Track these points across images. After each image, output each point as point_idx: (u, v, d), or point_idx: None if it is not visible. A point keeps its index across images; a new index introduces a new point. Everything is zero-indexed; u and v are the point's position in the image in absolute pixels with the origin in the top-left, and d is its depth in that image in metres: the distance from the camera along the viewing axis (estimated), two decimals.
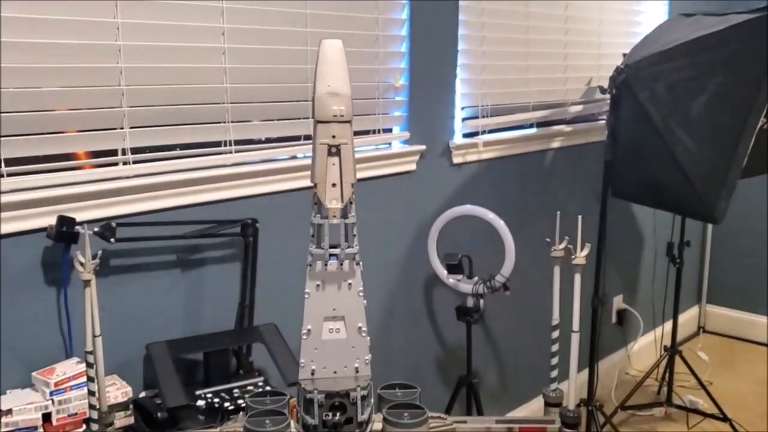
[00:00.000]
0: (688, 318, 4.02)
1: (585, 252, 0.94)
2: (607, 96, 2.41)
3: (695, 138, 2.21)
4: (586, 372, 2.67)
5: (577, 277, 0.94)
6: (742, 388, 3.37)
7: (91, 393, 0.93)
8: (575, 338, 0.96)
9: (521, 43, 2.62)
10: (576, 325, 0.96)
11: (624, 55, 2.48)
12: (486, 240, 2.15)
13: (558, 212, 1.02)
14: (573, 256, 0.95)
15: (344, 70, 0.95)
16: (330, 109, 0.93)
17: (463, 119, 2.46)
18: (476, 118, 2.49)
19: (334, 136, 0.95)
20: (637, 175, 2.41)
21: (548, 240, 0.98)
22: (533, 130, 2.76)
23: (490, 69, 2.51)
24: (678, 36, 2.29)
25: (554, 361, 1.00)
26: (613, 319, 3.42)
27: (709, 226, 3.96)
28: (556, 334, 0.99)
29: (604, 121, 2.64)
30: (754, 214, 3.80)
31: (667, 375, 3.12)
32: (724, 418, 2.88)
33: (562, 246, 0.97)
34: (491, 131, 2.56)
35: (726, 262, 3.99)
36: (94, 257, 0.92)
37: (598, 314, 2.55)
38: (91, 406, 0.93)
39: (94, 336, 0.92)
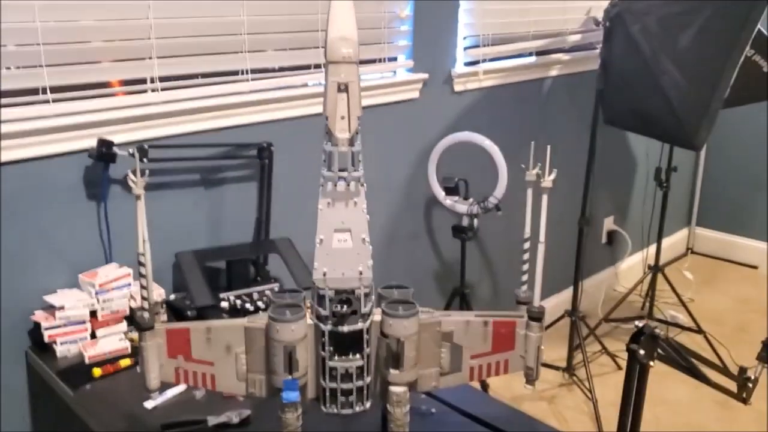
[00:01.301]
0: (677, 239, 4.22)
1: (552, 177, 1.12)
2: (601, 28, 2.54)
3: (681, 70, 2.34)
4: (588, 288, 2.90)
5: (545, 198, 1.12)
6: (722, 305, 3.61)
7: (143, 287, 1.13)
8: (541, 248, 1.15)
9: None
10: (542, 237, 1.15)
11: None
12: (482, 164, 2.32)
13: (532, 142, 1.20)
14: (542, 180, 1.13)
15: (352, 17, 1.10)
16: (340, 51, 1.08)
17: (465, 48, 2.59)
18: (477, 47, 2.62)
19: (343, 75, 1.11)
20: (627, 104, 2.56)
21: (522, 166, 1.16)
22: (532, 59, 2.88)
23: None
24: None
25: (525, 267, 1.19)
26: (603, 239, 3.63)
27: (702, 152, 4.12)
28: (527, 245, 1.18)
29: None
30: (745, 142, 3.94)
31: (651, 292, 3.35)
32: (699, 331, 3.13)
33: (534, 171, 1.15)
34: (492, 60, 2.70)
35: (717, 186, 4.16)
36: (141, 175, 1.10)
37: (583, 233, 2.75)
38: (144, 298, 1.14)
39: (144, 240, 1.11)
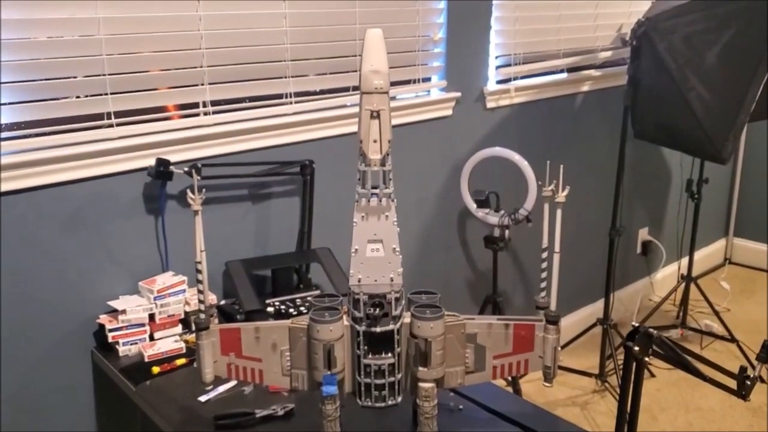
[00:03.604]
0: (714, 250, 4.24)
1: (565, 193, 1.23)
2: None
3: (707, 86, 2.42)
4: (623, 297, 2.97)
5: (558, 212, 1.24)
6: (759, 314, 3.62)
7: (200, 291, 1.28)
8: (556, 258, 1.26)
9: None
10: (557, 248, 1.26)
11: (653, 1, 2.68)
12: (512, 178, 2.43)
13: (548, 162, 1.31)
14: (556, 196, 1.24)
15: (383, 52, 1.23)
16: (372, 83, 1.21)
17: (497, 67, 2.70)
18: (509, 66, 2.74)
19: (375, 104, 1.24)
20: (655, 119, 2.64)
21: (539, 183, 1.27)
22: (563, 75, 2.98)
23: (523, 20, 2.73)
24: None
25: (543, 275, 1.31)
26: (638, 249, 3.68)
27: (739, 163, 4.14)
28: (545, 255, 1.30)
29: None
30: None
31: (684, 301, 3.39)
32: (732, 339, 3.16)
33: (550, 188, 1.26)
34: (523, 77, 2.80)
35: (755, 197, 4.15)
36: (199, 192, 1.25)
37: (614, 244, 2.83)
38: (200, 301, 1.28)
39: (201, 251, 1.26)
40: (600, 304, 3.32)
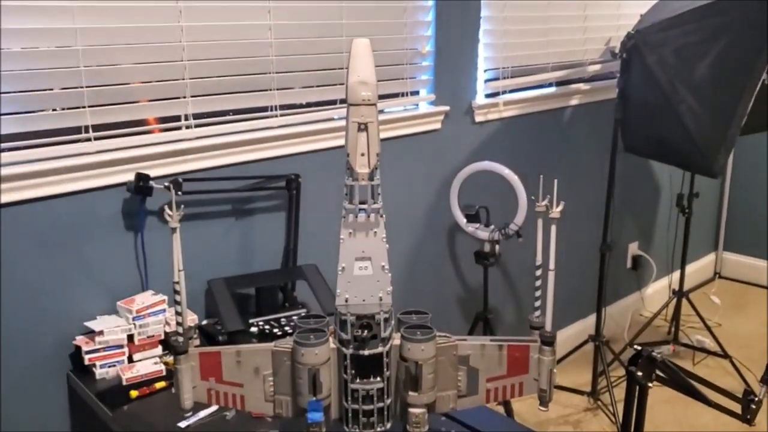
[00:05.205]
0: (704, 264, 4.21)
1: (559, 208, 1.18)
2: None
3: (698, 99, 2.39)
4: (614, 313, 2.93)
5: (553, 228, 1.19)
6: (749, 329, 3.59)
7: (177, 313, 1.22)
8: (551, 275, 1.21)
9: (542, 6, 2.79)
10: (552, 265, 1.21)
11: (642, 14, 2.65)
12: (502, 192, 2.38)
13: (541, 176, 1.26)
14: (550, 211, 1.19)
15: (371, 63, 1.18)
16: (360, 94, 1.17)
17: (486, 81, 2.67)
18: (497, 79, 2.70)
19: (362, 116, 1.19)
20: (646, 132, 2.61)
21: (533, 197, 1.22)
22: (552, 89, 2.95)
23: (512, 33, 2.70)
24: (685, 3, 2.45)
25: (537, 293, 1.26)
26: (628, 264, 3.65)
27: (728, 177, 4.12)
28: (539, 272, 1.24)
29: None
30: None
31: (676, 316, 3.35)
32: (725, 355, 3.12)
33: (543, 203, 1.22)
34: (512, 91, 2.77)
35: (744, 211, 4.14)
36: (177, 208, 1.19)
37: (605, 259, 2.78)
38: (178, 323, 1.22)
39: (180, 270, 1.20)
40: (590, 320, 3.28)
